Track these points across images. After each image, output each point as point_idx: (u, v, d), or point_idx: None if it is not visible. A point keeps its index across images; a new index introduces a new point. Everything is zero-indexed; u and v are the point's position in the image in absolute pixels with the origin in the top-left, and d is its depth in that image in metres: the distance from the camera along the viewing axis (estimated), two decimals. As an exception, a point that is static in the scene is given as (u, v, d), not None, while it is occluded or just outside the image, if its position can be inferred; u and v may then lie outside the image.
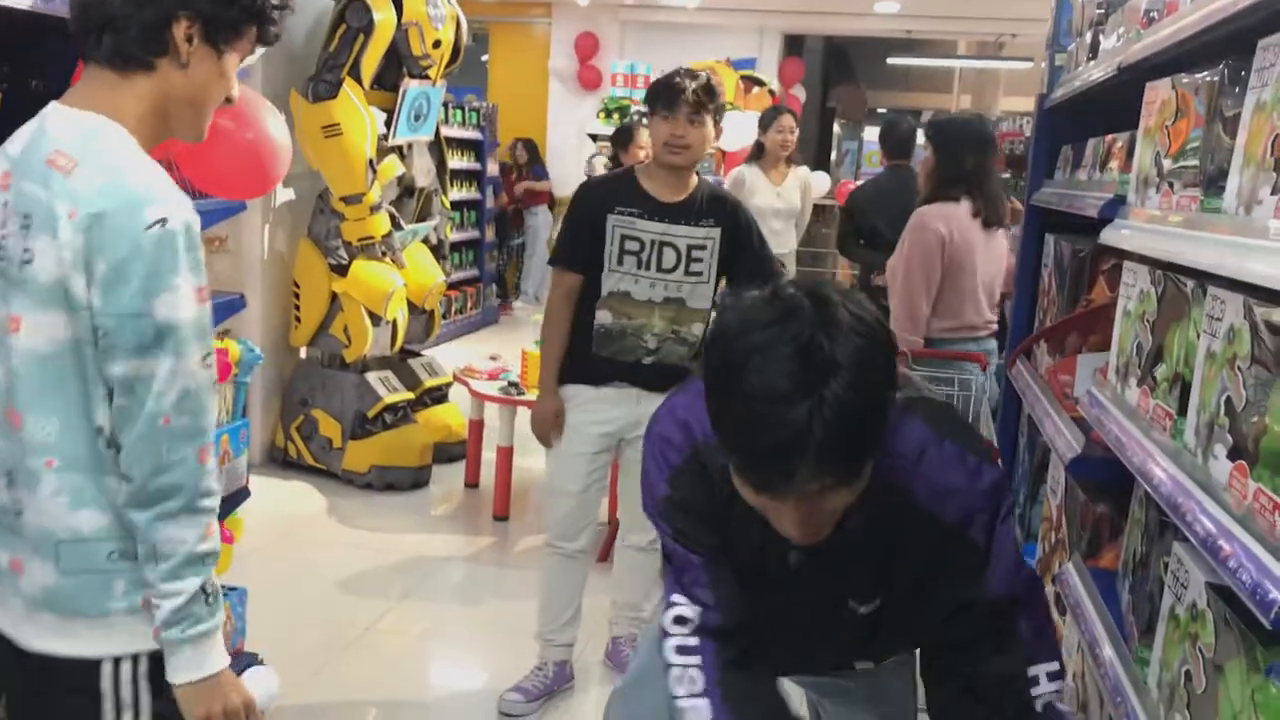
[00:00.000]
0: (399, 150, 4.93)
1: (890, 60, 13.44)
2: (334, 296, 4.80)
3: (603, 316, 2.82)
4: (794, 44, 11.58)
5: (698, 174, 2.91)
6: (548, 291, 3.09)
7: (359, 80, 4.50)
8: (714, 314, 2.91)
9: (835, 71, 15.21)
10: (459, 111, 8.18)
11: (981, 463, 1.39)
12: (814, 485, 1.17)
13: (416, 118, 4.94)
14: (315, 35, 4.64)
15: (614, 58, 9.45)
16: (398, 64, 4.74)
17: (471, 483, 4.89)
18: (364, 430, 4.79)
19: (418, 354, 5.39)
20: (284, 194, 4.85)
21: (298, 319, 4.93)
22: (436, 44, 4.78)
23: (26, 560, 1.39)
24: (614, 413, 2.86)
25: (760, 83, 7.74)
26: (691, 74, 2.83)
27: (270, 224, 4.84)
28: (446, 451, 5.07)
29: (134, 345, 1.31)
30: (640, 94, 7.23)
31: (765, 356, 1.16)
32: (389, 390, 4.89)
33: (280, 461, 4.98)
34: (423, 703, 3.14)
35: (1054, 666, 1.40)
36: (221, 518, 2.58)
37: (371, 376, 4.89)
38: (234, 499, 2.59)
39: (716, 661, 1.43)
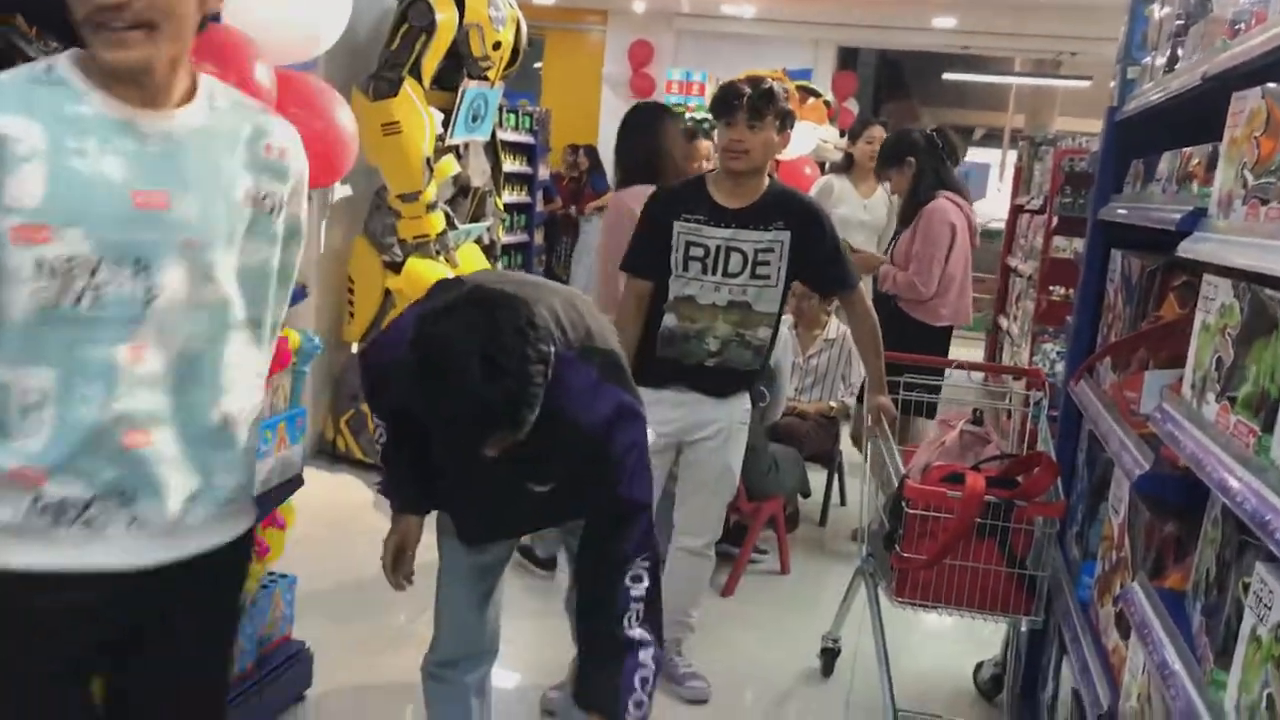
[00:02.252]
0: (456, 150, 4.97)
1: (945, 76, 13.35)
2: (387, 293, 4.84)
3: (668, 320, 2.84)
4: (848, 57, 11.55)
5: (772, 177, 2.89)
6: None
7: (419, 79, 4.54)
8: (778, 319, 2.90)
9: (888, 86, 15.13)
10: (512, 116, 8.22)
11: (624, 401, 1.92)
12: (497, 441, 1.73)
13: (474, 118, 4.97)
14: (378, 33, 4.68)
15: (668, 66, 9.47)
16: (457, 64, 4.77)
17: (515, 483, 4.89)
18: (411, 427, 4.82)
19: (466, 353, 5.41)
20: (341, 190, 4.88)
21: (351, 314, 4.97)
22: (496, 45, 4.81)
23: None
24: (673, 414, 2.85)
25: (815, 93, 7.70)
26: (752, 81, 2.83)
27: (327, 220, 4.89)
28: (491, 450, 5.08)
29: None
30: (695, 100, 7.22)
31: (456, 368, 1.62)
32: (437, 388, 4.91)
33: (329, 454, 5.02)
34: (464, 699, 3.14)
35: (649, 564, 1.93)
36: (275, 504, 2.62)
37: (421, 373, 4.91)
38: (288, 486, 2.61)
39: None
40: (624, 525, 1.93)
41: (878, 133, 5.12)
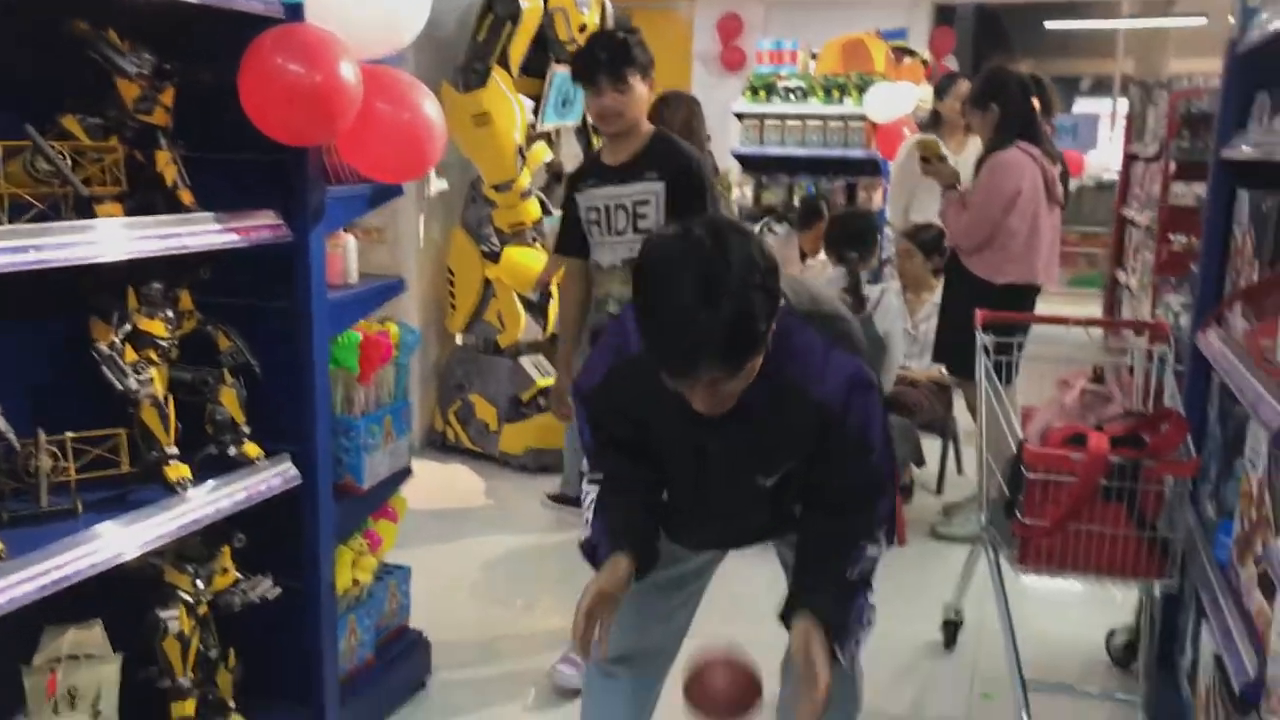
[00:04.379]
0: (547, 136, 4.97)
1: (1048, 25, 12.85)
2: (487, 283, 4.89)
3: (594, 289, 2.96)
4: (944, 13, 11.19)
5: (660, 128, 2.90)
6: None
7: (507, 68, 4.55)
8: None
9: (987, 40, 14.64)
10: (604, 98, 8.22)
11: (859, 369, 1.73)
12: (710, 376, 1.53)
13: (564, 103, 4.96)
14: (464, 25, 4.70)
15: (759, 37, 9.33)
16: (544, 50, 4.77)
17: (624, 465, 4.90)
18: (518, 413, 4.87)
19: (569, 338, 5.44)
20: (437, 184, 4.94)
21: (453, 306, 5.04)
22: (583, 28, 4.79)
23: None
24: None
25: (911, 53, 7.48)
26: (603, 42, 2.79)
27: (425, 214, 4.95)
28: (599, 434, 5.10)
29: None
30: (788, 69, 7.10)
31: (674, 283, 1.49)
32: (542, 374, 4.94)
33: (439, 445, 5.11)
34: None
35: (886, 531, 1.81)
36: (385, 496, 2.66)
37: (525, 360, 4.96)
38: (397, 478, 2.65)
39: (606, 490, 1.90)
40: (868, 503, 1.79)
41: (965, 88, 4.90)
